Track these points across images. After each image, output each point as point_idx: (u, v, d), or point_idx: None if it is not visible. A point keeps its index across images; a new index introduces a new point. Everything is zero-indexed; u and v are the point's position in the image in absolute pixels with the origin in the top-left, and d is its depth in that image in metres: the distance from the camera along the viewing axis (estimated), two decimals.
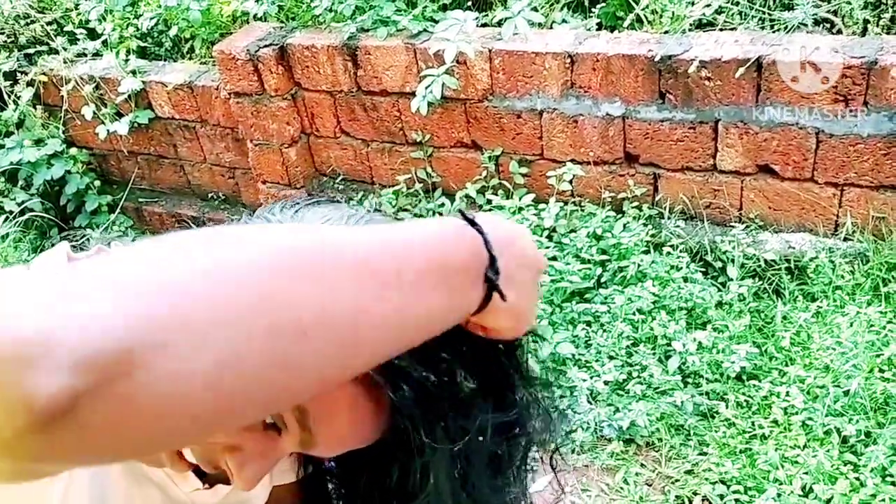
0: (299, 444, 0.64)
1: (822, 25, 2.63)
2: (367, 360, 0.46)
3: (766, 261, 2.58)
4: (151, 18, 3.50)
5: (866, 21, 2.58)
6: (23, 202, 3.75)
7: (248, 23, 3.32)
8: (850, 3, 2.50)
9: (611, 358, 2.44)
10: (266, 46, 3.10)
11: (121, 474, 0.71)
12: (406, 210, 3.15)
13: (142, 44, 3.65)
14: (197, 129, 3.61)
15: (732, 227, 2.67)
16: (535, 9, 2.81)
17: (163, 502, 0.74)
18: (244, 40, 3.15)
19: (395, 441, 0.66)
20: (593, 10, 2.88)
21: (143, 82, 3.51)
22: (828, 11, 2.60)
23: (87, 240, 3.74)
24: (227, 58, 3.14)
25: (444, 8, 2.99)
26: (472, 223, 0.54)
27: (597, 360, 2.43)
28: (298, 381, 0.41)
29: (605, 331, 2.51)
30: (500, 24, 2.79)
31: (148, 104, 3.61)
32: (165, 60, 3.67)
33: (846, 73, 2.31)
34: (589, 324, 2.55)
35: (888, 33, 2.52)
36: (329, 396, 0.61)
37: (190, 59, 3.60)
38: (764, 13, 2.66)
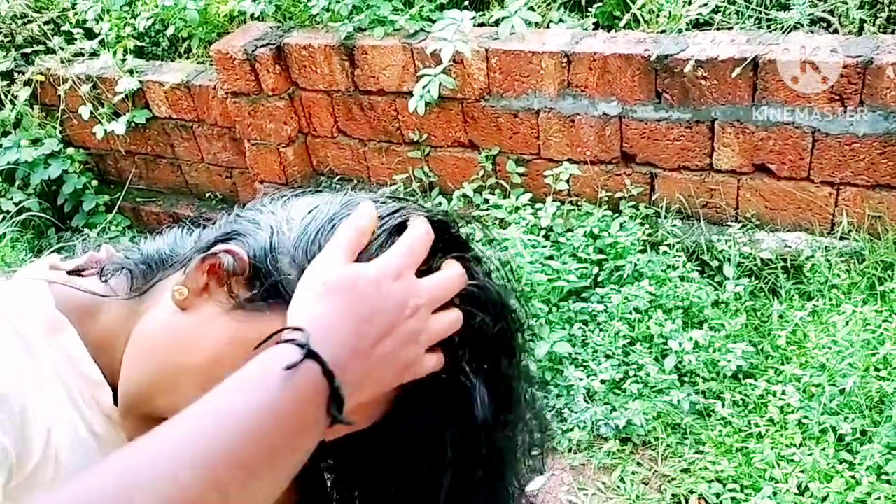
0: None
1: (818, 25, 2.64)
2: None
3: (762, 260, 2.58)
4: (148, 18, 3.50)
5: (863, 20, 2.59)
6: (20, 202, 3.75)
7: (244, 22, 3.32)
8: (846, 3, 2.51)
9: (607, 357, 2.45)
10: (263, 46, 3.10)
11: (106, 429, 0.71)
12: None
13: (139, 43, 3.65)
14: (194, 128, 3.61)
15: (729, 226, 2.67)
16: (531, 8, 2.82)
17: None
18: (241, 40, 3.15)
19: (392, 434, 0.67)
20: (590, 9, 2.88)
21: (141, 82, 3.51)
22: (824, 11, 2.61)
23: (84, 240, 3.74)
24: (224, 57, 3.14)
25: (441, 7, 3.00)
26: (303, 347, 0.56)
27: (593, 360, 2.44)
28: None
29: (601, 330, 2.51)
30: (496, 23, 2.79)
31: (145, 104, 3.61)
32: (163, 60, 3.67)
33: (842, 72, 2.32)
34: (586, 323, 2.56)
35: (884, 33, 2.52)
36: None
37: (187, 58, 3.60)
38: (760, 13, 2.67)
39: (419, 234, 0.64)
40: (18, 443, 0.61)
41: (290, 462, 0.56)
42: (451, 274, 0.65)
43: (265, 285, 0.64)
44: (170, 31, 3.53)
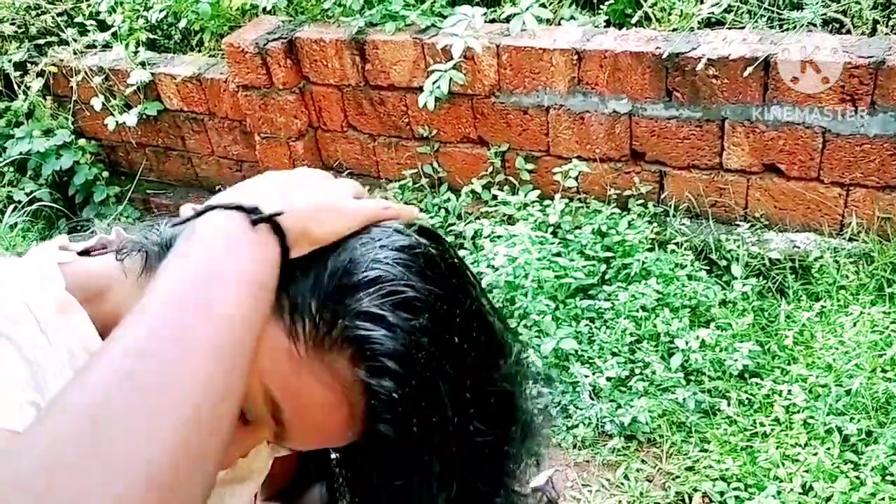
0: (273, 435, 0.65)
1: (831, 25, 2.63)
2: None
3: (770, 260, 2.58)
4: (161, 10, 3.52)
5: (876, 21, 2.58)
6: (31, 192, 3.78)
7: (256, 16, 3.33)
8: (859, 3, 2.50)
9: (613, 354, 2.45)
10: (275, 40, 3.11)
11: None
12: (412, 204, 3.16)
13: (151, 36, 3.67)
14: (205, 121, 3.62)
15: (737, 225, 2.67)
16: (542, 5, 2.82)
17: None
18: (253, 33, 3.16)
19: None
20: (601, 6, 2.88)
21: (152, 74, 3.53)
22: (836, 11, 2.60)
23: (92, 232, 3.77)
24: (235, 51, 3.15)
25: (453, 3, 3.00)
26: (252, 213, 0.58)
27: (599, 357, 2.44)
28: None
29: (608, 327, 2.51)
30: (508, 19, 2.79)
31: (157, 96, 3.63)
32: (174, 53, 3.69)
33: (853, 72, 2.31)
34: (592, 320, 2.56)
35: None
36: (304, 398, 0.61)
37: (199, 51, 3.62)
38: (773, 12, 2.66)
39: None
40: None
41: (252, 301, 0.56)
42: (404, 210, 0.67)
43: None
44: (182, 24, 3.54)
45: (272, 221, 0.58)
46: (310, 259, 0.62)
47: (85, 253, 0.77)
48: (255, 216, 0.58)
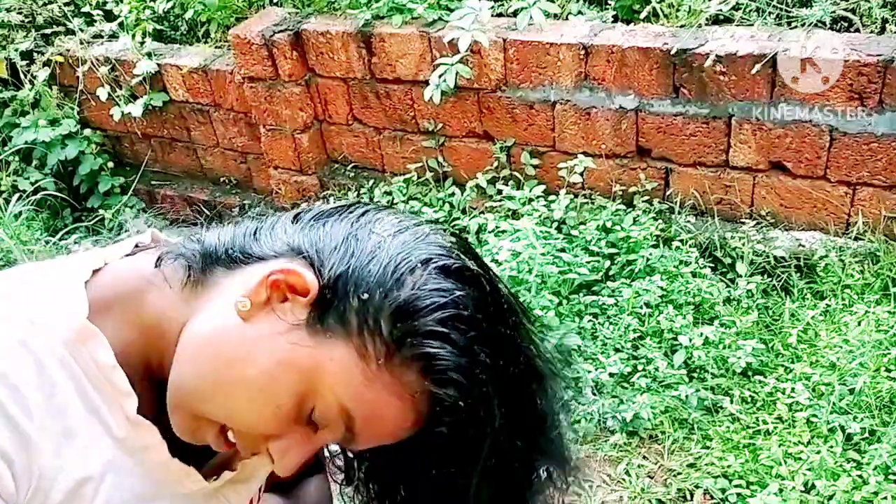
0: (340, 440, 0.69)
1: (840, 24, 2.62)
2: None
3: (775, 258, 2.57)
4: (168, 1, 3.52)
5: (885, 19, 2.57)
6: (36, 182, 3.78)
7: (263, 7, 3.33)
8: (868, 1, 2.49)
9: (616, 350, 2.44)
10: (281, 31, 3.11)
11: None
12: (416, 198, 3.15)
13: (158, 27, 3.67)
14: (210, 113, 3.62)
15: (743, 223, 2.66)
16: None
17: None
18: (259, 25, 3.16)
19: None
20: (609, 2, 2.87)
21: (159, 65, 3.53)
22: (846, 9, 2.59)
23: (102, 222, 3.77)
24: (242, 42, 3.15)
25: None
26: None
27: (602, 353, 2.44)
28: None
29: (611, 323, 2.51)
30: (515, 13, 2.78)
31: (163, 87, 3.63)
32: (181, 44, 3.68)
33: (862, 70, 2.30)
34: (596, 316, 2.55)
35: None
36: (376, 408, 0.66)
37: (205, 42, 3.62)
38: (781, 10, 2.65)
39: None
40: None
41: None
42: None
43: (328, 312, 0.65)
44: (188, 15, 3.54)
45: None
46: (371, 282, 0.65)
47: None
48: None
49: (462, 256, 0.68)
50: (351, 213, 0.72)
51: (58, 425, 0.65)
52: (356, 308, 0.64)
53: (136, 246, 0.80)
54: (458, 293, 0.65)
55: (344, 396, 0.65)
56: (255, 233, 0.72)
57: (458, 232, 0.76)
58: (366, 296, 0.64)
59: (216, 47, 3.54)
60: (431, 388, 0.64)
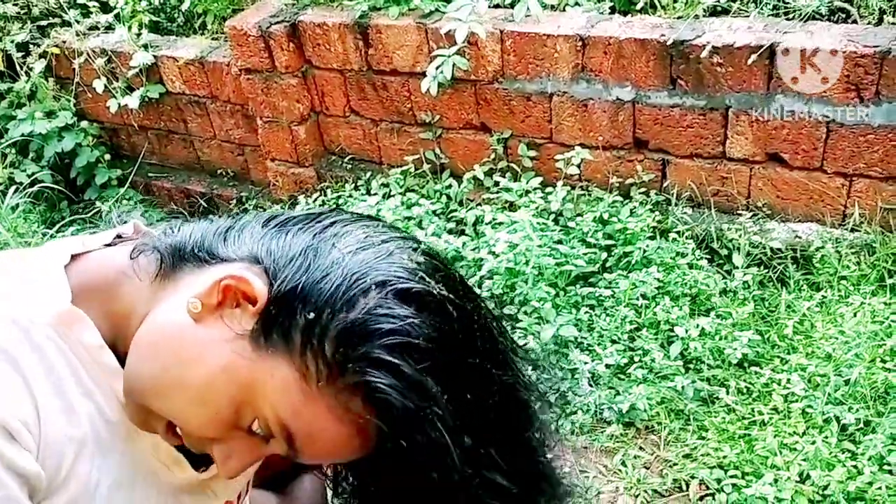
0: (285, 454, 0.68)
1: (837, 15, 2.62)
2: None
3: (772, 249, 2.58)
4: None
5: (882, 11, 2.56)
6: (33, 174, 3.78)
7: None
8: None
9: (613, 342, 2.45)
10: (278, 23, 3.10)
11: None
12: (413, 190, 3.15)
13: (154, 18, 3.66)
14: (207, 104, 3.61)
15: (740, 214, 2.67)
16: None
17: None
18: (256, 16, 3.15)
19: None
20: None
21: (155, 57, 3.52)
22: (842, 0, 2.58)
23: (99, 214, 3.77)
24: (238, 34, 3.14)
25: None
26: None
27: (599, 344, 2.44)
28: None
29: (608, 315, 2.51)
30: (512, 5, 2.78)
31: (159, 79, 3.62)
32: (177, 35, 3.67)
33: (859, 62, 2.30)
34: (592, 307, 2.56)
35: None
36: (315, 427, 0.63)
37: (202, 34, 3.60)
38: (778, 1, 2.64)
39: None
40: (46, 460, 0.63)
41: None
42: None
43: (273, 326, 0.64)
44: (185, 6, 3.52)
45: None
46: (320, 300, 0.62)
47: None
48: None
49: (427, 280, 0.64)
50: (318, 222, 0.69)
51: (58, 401, 0.65)
52: (301, 326, 0.62)
53: (118, 236, 0.80)
54: (412, 320, 0.61)
55: (282, 413, 0.63)
56: (225, 233, 0.71)
57: (431, 250, 0.70)
58: (312, 315, 0.62)
59: (213, 39, 3.53)
60: (373, 419, 0.62)
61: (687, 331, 2.36)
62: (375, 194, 3.12)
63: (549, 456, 0.76)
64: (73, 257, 0.73)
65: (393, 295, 0.62)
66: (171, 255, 0.71)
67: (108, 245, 0.78)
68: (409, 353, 0.61)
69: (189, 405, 0.65)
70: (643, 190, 2.80)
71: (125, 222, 0.82)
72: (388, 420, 0.61)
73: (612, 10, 2.83)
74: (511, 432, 0.70)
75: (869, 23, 2.52)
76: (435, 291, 0.63)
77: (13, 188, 3.68)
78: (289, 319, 0.63)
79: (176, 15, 3.68)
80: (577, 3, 2.84)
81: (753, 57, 2.37)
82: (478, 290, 0.73)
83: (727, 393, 2.27)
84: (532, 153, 2.96)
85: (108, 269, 0.73)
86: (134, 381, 0.68)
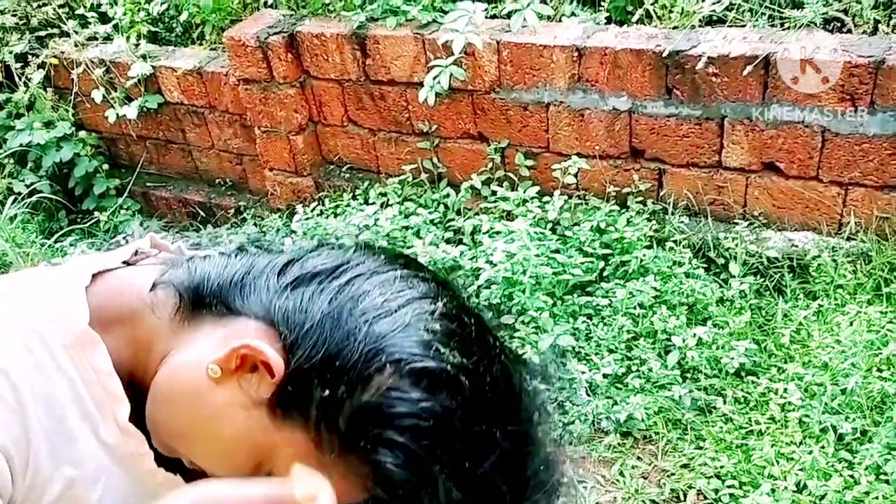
0: None
1: (832, 24, 2.63)
2: None
3: (768, 258, 2.58)
4: (162, 3, 3.52)
5: (877, 20, 2.58)
6: (31, 184, 3.78)
7: (258, 9, 3.33)
8: (859, 3, 2.50)
9: (610, 351, 2.46)
10: (276, 34, 3.11)
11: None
12: (411, 200, 3.16)
13: (153, 28, 3.67)
14: (205, 114, 3.62)
15: (736, 223, 2.67)
16: (544, 1, 2.81)
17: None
18: (254, 27, 3.16)
19: None
20: (602, 4, 2.88)
21: (153, 67, 3.53)
22: (838, 10, 2.60)
23: (97, 224, 3.78)
24: (236, 44, 3.15)
25: None
26: None
27: (596, 353, 2.45)
28: None
29: (605, 324, 2.52)
30: (508, 15, 2.79)
31: (157, 89, 3.63)
32: (176, 45, 3.69)
33: (853, 71, 2.31)
34: (590, 317, 2.56)
35: None
36: (333, 486, 0.65)
37: (200, 44, 3.62)
38: (773, 10, 2.66)
39: None
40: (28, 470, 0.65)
41: None
42: None
43: (291, 399, 0.65)
44: (183, 17, 3.54)
45: None
46: (336, 377, 0.63)
47: (129, 262, 0.80)
48: None
49: (442, 352, 0.64)
50: (335, 279, 0.69)
51: (54, 425, 0.66)
52: (318, 401, 0.64)
53: (136, 253, 0.81)
54: (424, 404, 0.62)
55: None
56: (241, 282, 0.72)
57: (449, 307, 0.68)
58: (328, 392, 0.63)
59: (211, 49, 3.54)
60: (382, 497, 0.64)
61: (684, 340, 2.37)
62: (373, 203, 3.13)
63: None
64: (94, 277, 0.74)
65: (408, 374, 0.63)
66: (190, 299, 0.73)
67: (127, 262, 0.79)
68: (419, 435, 0.62)
69: (209, 456, 0.69)
70: (640, 199, 2.81)
71: (140, 236, 0.83)
72: (393, 494, 0.63)
73: (608, 21, 2.84)
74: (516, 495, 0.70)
75: (864, 32, 2.54)
76: (449, 367, 0.64)
77: (11, 198, 3.68)
78: (306, 394, 0.64)
79: (174, 25, 3.69)
80: (573, 14, 2.86)
81: (749, 67, 2.38)
82: (496, 341, 0.72)
83: (724, 402, 2.27)
84: (529, 162, 2.97)
85: (129, 296, 0.74)
86: (156, 426, 0.72)
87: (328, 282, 0.69)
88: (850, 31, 2.57)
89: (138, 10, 3.61)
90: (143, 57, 3.53)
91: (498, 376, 0.68)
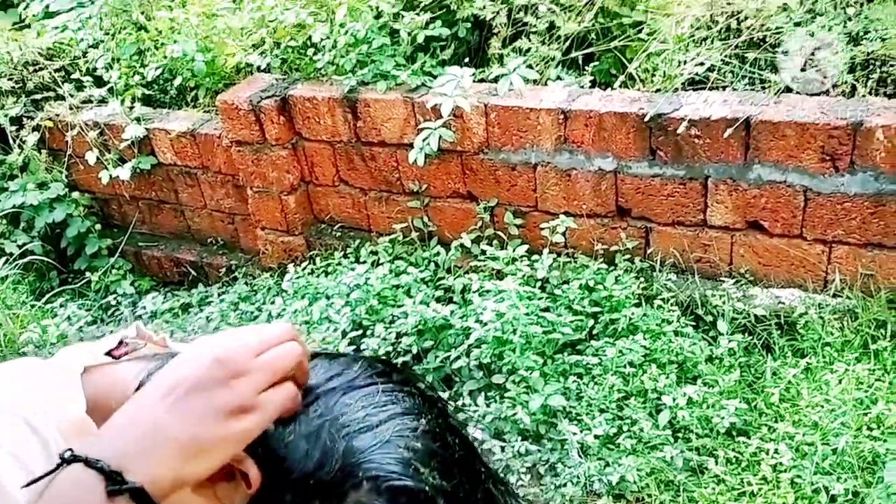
0: None
1: (812, 84, 2.70)
2: None
3: (756, 316, 2.60)
4: (157, 68, 3.59)
5: (854, 83, 2.65)
6: (23, 244, 3.80)
7: (251, 73, 3.40)
8: (836, 66, 2.57)
9: (601, 411, 2.45)
10: (268, 97, 3.17)
11: None
12: (402, 258, 3.18)
13: (147, 92, 3.73)
14: (198, 175, 3.67)
15: (723, 281, 2.70)
16: (530, 66, 2.89)
17: None
18: (247, 91, 3.23)
19: None
20: (587, 67, 2.95)
21: (147, 129, 3.58)
22: (817, 72, 2.67)
23: (88, 284, 3.78)
24: (229, 107, 3.21)
25: (443, 63, 3.07)
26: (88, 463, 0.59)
27: (587, 413, 2.44)
28: None
29: (596, 383, 2.52)
30: (496, 80, 2.86)
31: (151, 150, 3.68)
32: (170, 108, 3.75)
33: (832, 133, 2.37)
34: (580, 376, 2.57)
35: (875, 95, 2.58)
36: None
37: (194, 107, 3.68)
38: (754, 73, 2.73)
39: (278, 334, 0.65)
40: None
41: None
42: (281, 355, 0.65)
43: None
44: (178, 81, 3.61)
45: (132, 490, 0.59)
46: (312, 490, 0.63)
47: (113, 353, 0.80)
48: (113, 487, 0.58)
49: (420, 472, 0.64)
50: (322, 391, 0.69)
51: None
52: (288, 477, 0.63)
53: (121, 342, 0.82)
54: (396, 464, 0.62)
55: None
56: None
57: (433, 425, 0.68)
58: (296, 466, 0.63)
59: (205, 111, 3.60)
60: None
61: (675, 399, 2.37)
62: (364, 262, 3.15)
63: None
64: (86, 369, 0.75)
65: (384, 492, 0.62)
66: None
67: (111, 352, 0.80)
68: (388, 497, 0.62)
69: None
70: (628, 257, 2.84)
71: (129, 324, 0.84)
72: None
73: (593, 84, 2.91)
74: None
75: (842, 93, 2.61)
76: (427, 487, 0.63)
77: (2, 259, 3.69)
78: None
79: (169, 88, 3.76)
80: (558, 78, 2.93)
81: (729, 130, 2.44)
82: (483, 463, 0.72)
83: (716, 463, 2.26)
84: (518, 221, 3.01)
85: (117, 393, 0.74)
86: None
87: (313, 396, 0.69)
88: (827, 92, 2.64)
89: (133, 74, 3.68)
90: (138, 119, 3.59)
91: (477, 497, 0.67)
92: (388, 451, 0.64)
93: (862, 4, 2.57)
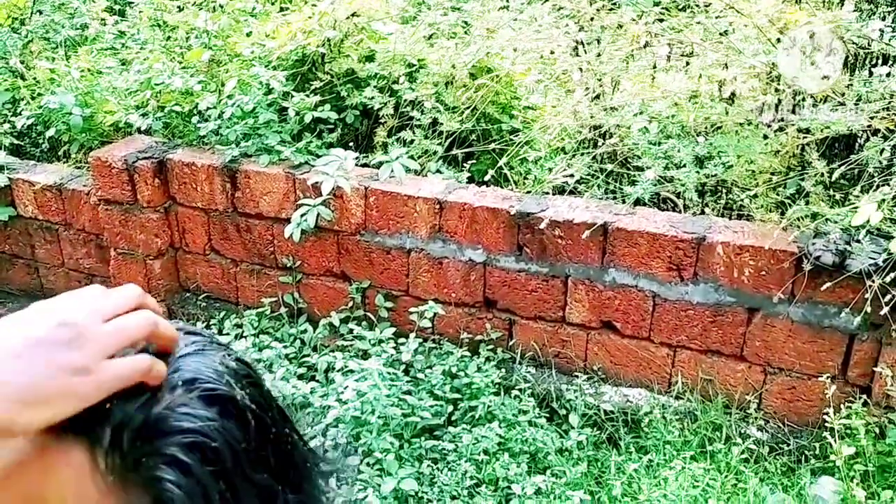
0: None
1: (668, 203, 2.96)
2: None
3: (605, 411, 2.72)
4: (29, 117, 3.46)
5: (705, 204, 2.93)
6: None
7: (130, 133, 3.35)
8: (684, 186, 2.84)
9: (453, 498, 2.45)
10: (145, 158, 3.12)
11: None
12: (267, 333, 3.13)
13: (17, 142, 3.58)
14: (59, 231, 3.50)
15: (577, 376, 2.82)
16: (412, 157, 3.01)
17: None
18: (123, 150, 3.16)
19: None
20: (465, 164, 3.11)
21: (10, 179, 3.42)
22: (669, 191, 2.94)
23: None
24: (102, 165, 3.13)
25: (329, 146, 3.15)
26: None
27: (439, 500, 2.43)
28: None
29: (450, 469, 2.53)
30: (378, 165, 2.96)
31: (11, 202, 3.49)
32: (39, 161, 3.60)
33: (679, 245, 2.59)
34: (435, 461, 2.57)
35: (722, 216, 2.86)
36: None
37: (65, 161, 3.56)
38: (615, 186, 2.98)
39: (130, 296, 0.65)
40: None
41: None
42: (131, 322, 0.64)
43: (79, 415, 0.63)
44: (50, 132, 3.49)
45: None
46: (128, 394, 0.62)
47: None
48: None
49: (234, 386, 0.65)
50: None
51: None
52: (101, 414, 0.61)
53: None
54: (212, 423, 0.62)
55: (71, 500, 0.62)
56: None
57: (244, 360, 0.70)
58: (111, 404, 0.61)
59: (76, 167, 3.49)
60: None
61: (523, 489, 2.41)
62: (227, 334, 3.07)
63: None
64: None
65: (198, 395, 0.63)
66: None
67: None
68: (203, 455, 0.61)
69: None
70: (491, 347, 2.92)
71: None
72: None
73: (470, 180, 3.06)
74: None
75: (694, 212, 2.87)
76: (239, 398, 0.64)
77: None
78: (95, 411, 0.61)
79: (41, 141, 3.62)
80: (438, 171, 3.06)
81: (587, 232, 2.62)
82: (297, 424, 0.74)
83: None
84: (389, 304, 3.05)
85: None
86: None
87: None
88: (679, 209, 2.91)
89: (3, 122, 3.53)
90: (1, 168, 3.42)
91: (283, 436, 0.69)
92: (204, 360, 0.65)
93: (707, 133, 2.88)
